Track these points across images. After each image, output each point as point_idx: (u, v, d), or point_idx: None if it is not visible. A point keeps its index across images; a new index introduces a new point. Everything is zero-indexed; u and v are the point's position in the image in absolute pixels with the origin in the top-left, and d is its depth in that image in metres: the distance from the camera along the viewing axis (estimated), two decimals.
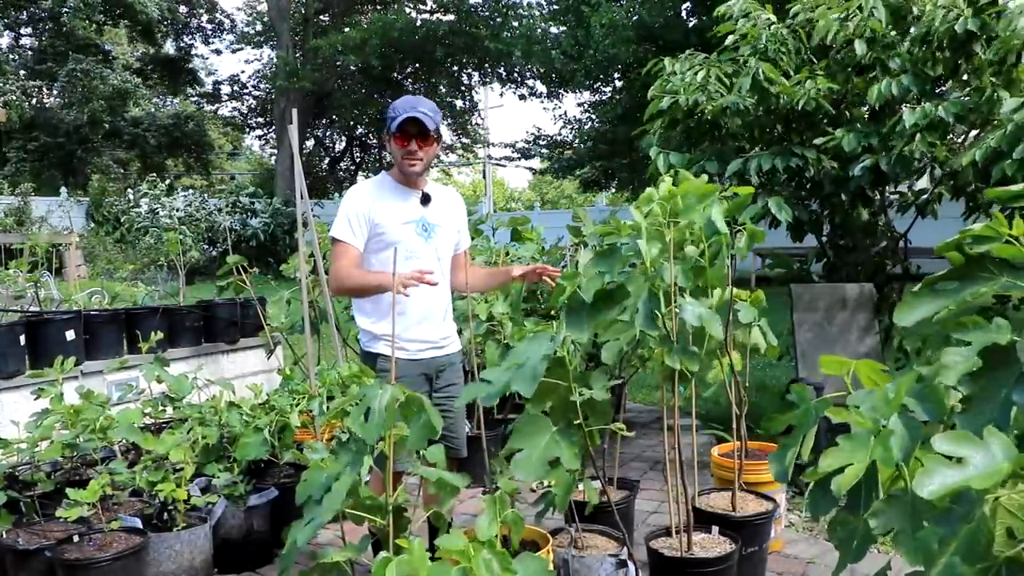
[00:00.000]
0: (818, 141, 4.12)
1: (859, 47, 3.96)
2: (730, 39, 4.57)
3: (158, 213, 16.41)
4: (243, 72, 35.59)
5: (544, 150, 21.83)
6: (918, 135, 3.73)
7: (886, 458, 1.13)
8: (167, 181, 18.34)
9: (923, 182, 4.53)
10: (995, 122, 3.53)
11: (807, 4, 4.40)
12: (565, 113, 23.18)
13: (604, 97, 18.48)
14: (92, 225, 17.10)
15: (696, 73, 4.41)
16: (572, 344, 2.31)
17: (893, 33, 4.04)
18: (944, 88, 4.40)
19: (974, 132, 4.14)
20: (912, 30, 3.91)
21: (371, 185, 2.86)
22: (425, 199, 2.82)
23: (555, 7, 19.19)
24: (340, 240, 2.76)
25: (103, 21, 24.20)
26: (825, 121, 4.41)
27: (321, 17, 27.10)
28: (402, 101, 2.75)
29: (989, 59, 3.66)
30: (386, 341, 2.74)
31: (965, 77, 3.91)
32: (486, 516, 1.93)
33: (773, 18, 4.52)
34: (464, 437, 2.91)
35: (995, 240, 1.21)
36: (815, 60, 4.44)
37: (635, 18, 14.24)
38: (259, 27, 28.86)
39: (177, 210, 16.55)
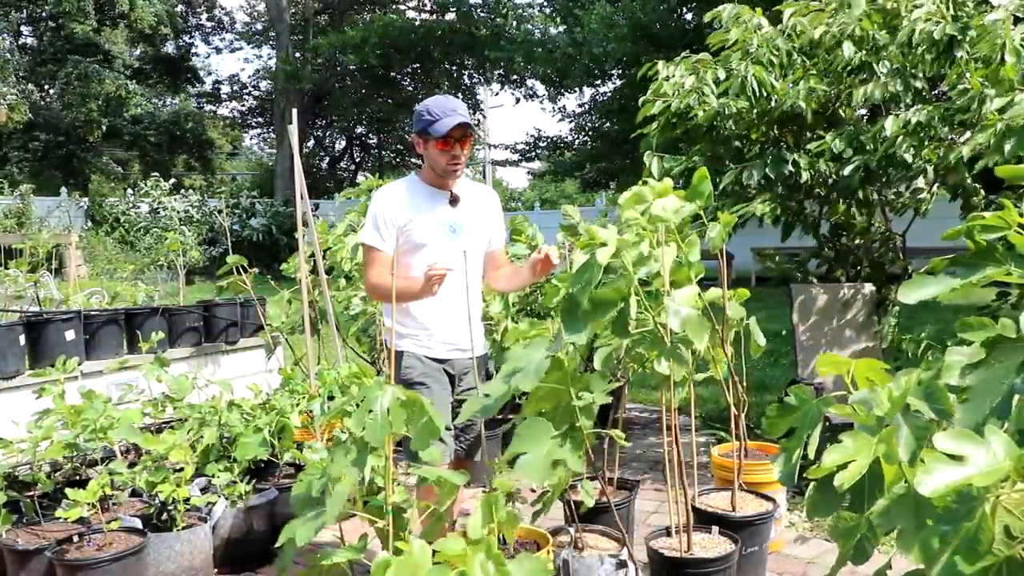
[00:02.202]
0: (811, 146, 4.14)
1: (847, 49, 3.97)
2: (717, 39, 4.57)
3: (158, 213, 16.42)
4: (243, 71, 35.64)
5: (545, 152, 21.81)
6: (899, 139, 3.76)
7: (890, 455, 1.13)
8: (170, 180, 18.33)
9: (919, 182, 4.54)
10: (984, 122, 3.54)
11: (799, 9, 4.40)
12: (564, 107, 23.00)
13: (604, 97, 18.50)
14: (92, 225, 17.10)
15: (685, 78, 4.41)
16: (571, 346, 2.31)
17: (883, 34, 4.05)
18: (937, 90, 4.41)
19: (967, 135, 4.15)
20: (899, 35, 3.91)
21: (399, 188, 2.81)
22: (454, 200, 2.78)
23: (555, 5, 19.20)
24: (370, 246, 2.75)
25: (100, 22, 24.20)
26: (819, 122, 4.41)
27: (320, 17, 27.12)
28: (437, 104, 2.69)
29: (976, 58, 3.68)
30: (411, 339, 2.75)
31: (954, 78, 3.91)
32: (478, 516, 1.93)
33: (764, 22, 4.52)
34: (480, 439, 2.88)
35: (1004, 229, 1.21)
36: (807, 61, 4.44)
37: (631, 17, 14.25)
38: (259, 27, 28.89)
39: (177, 211, 16.55)
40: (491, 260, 2.95)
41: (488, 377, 3.02)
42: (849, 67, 4.11)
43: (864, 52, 4.03)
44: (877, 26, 4.05)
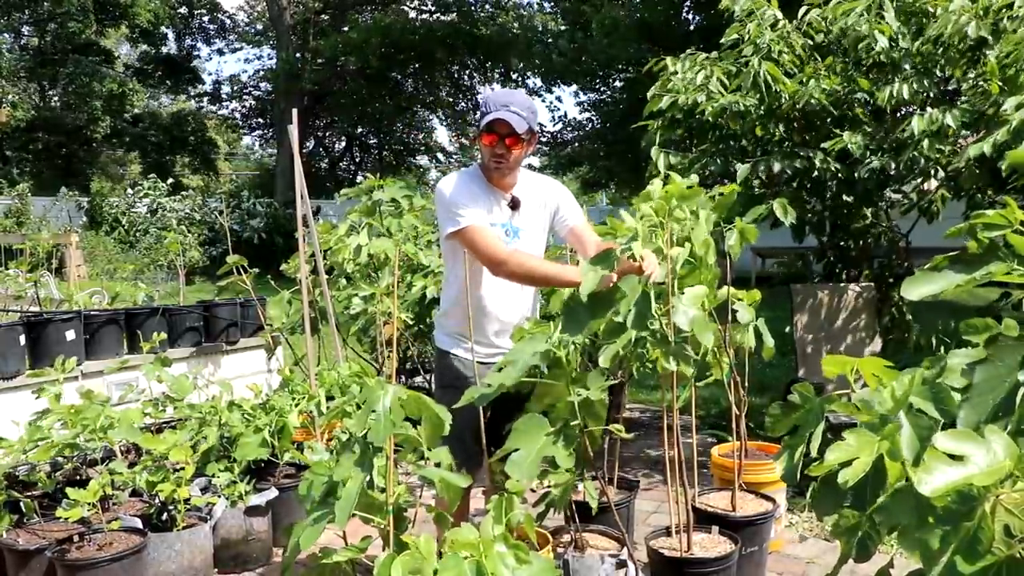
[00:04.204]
0: (826, 145, 4.11)
1: (880, 40, 3.93)
2: (731, 36, 4.55)
3: (158, 213, 16.42)
4: (244, 72, 35.57)
5: (544, 148, 21.81)
6: (926, 141, 3.74)
7: (893, 452, 1.13)
8: (169, 180, 18.31)
9: (927, 184, 4.52)
10: (998, 121, 3.53)
11: (817, 2, 4.38)
12: (565, 115, 23.04)
13: (605, 97, 18.49)
14: (91, 225, 17.10)
15: (696, 73, 4.39)
16: (572, 344, 2.31)
17: (904, 32, 4.03)
18: (953, 88, 4.38)
19: (980, 133, 4.14)
20: (928, 31, 3.89)
21: (463, 179, 2.65)
22: (515, 203, 2.64)
23: (558, 5, 19.20)
24: (467, 227, 2.51)
25: (101, 22, 24.20)
26: (829, 121, 4.39)
27: (321, 17, 27.12)
28: (495, 96, 2.56)
29: (999, 62, 3.66)
30: (456, 340, 2.67)
31: (973, 79, 3.89)
32: (491, 517, 1.90)
33: (779, 14, 4.47)
34: None
35: (1006, 227, 1.21)
36: (820, 58, 4.41)
37: (636, 17, 14.24)
38: (259, 27, 28.89)
39: (176, 211, 16.55)
40: (575, 239, 2.75)
41: None
42: (873, 61, 4.07)
43: (892, 49, 4.00)
44: (901, 23, 4.03)
